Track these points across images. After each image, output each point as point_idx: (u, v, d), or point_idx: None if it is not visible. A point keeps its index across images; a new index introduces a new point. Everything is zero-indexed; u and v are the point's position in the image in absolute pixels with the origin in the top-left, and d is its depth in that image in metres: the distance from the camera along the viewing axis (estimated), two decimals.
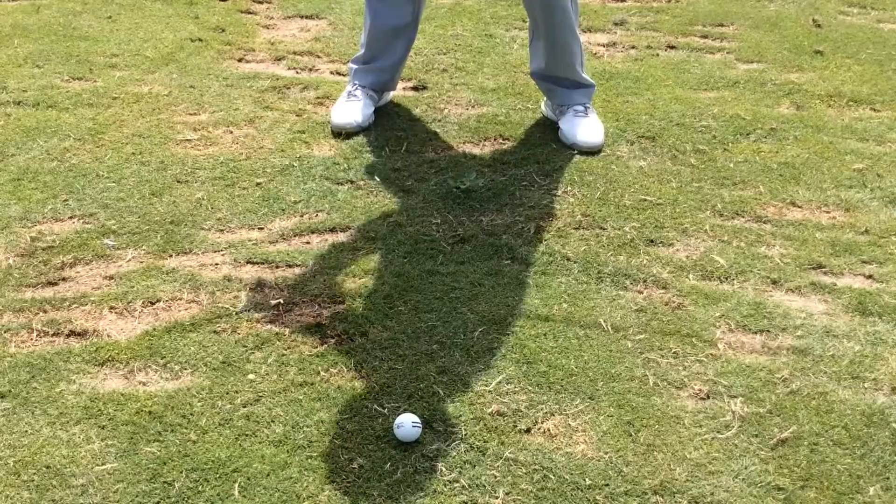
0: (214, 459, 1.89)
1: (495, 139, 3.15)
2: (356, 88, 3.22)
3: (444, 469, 1.88)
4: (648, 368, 2.15)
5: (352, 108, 3.16)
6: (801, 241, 2.60)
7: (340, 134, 3.12)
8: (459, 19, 4.17)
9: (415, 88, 3.51)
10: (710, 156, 3.05)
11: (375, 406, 2.03)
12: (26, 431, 1.96)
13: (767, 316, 2.32)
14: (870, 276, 2.47)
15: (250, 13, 4.27)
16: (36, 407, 2.02)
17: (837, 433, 1.97)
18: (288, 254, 2.53)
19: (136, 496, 1.81)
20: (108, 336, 2.23)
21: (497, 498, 1.83)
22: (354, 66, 3.25)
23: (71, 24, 4.03)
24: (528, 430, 1.97)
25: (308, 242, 2.59)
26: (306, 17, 4.23)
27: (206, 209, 2.72)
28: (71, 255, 2.50)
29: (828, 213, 2.75)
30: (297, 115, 3.27)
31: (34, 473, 1.86)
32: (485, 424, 1.98)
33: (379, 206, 2.75)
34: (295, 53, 3.81)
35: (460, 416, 2.00)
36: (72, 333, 2.24)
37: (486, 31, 4.05)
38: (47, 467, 1.87)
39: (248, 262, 2.50)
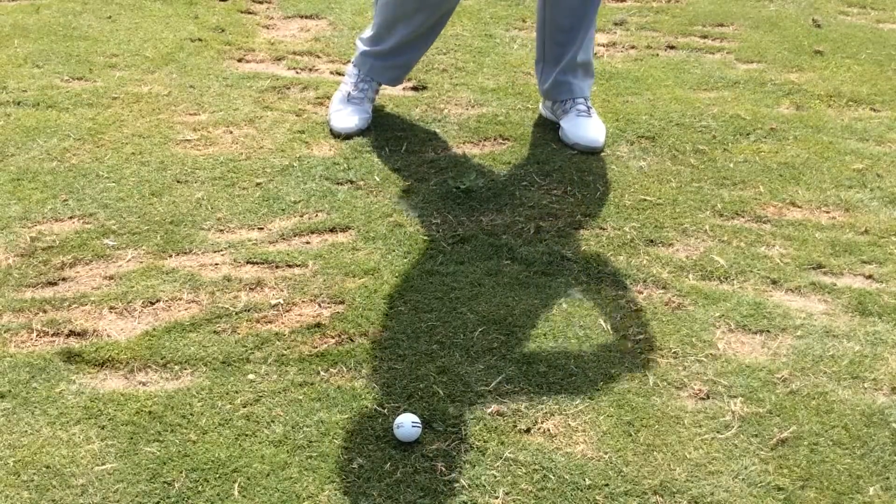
0: (214, 459, 1.89)
1: (495, 139, 3.15)
2: (359, 89, 3.17)
3: (444, 469, 1.88)
4: (648, 368, 2.15)
5: (353, 112, 3.14)
6: (801, 241, 2.60)
7: (340, 135, 3.12)
8: (459, 19, 4.17)
9: (415, 88, 3.51)
10: (709, 156, 3.05)
11: (375, 406, 2.03)
12: (26, 431, 1.96)
13: (767, 316, 2.32)
14: (870, 276, 2.47)
15: (250, 13, 4.27)
16: (36, 407, 2.02)
17: (837, 433, 1.97)
18: (288, 254, 2.53)
19: (136, 496, 1.81)
20: (108, 336, 2.23)
21: (497, 498, 1.83)
22: (371, 61, 3.13)
23: (71, 24, 4.03)
24: (528, 430, 1.97)
25: (308, 242, 2.59)
26: (306, 17, 4.23)
27: (206, 209, 2.72)
28: (71, 255, 2.50)
29: (828, 213, 2.75)
30: (296, 115, 3.27)
31: (34, 473, 1.86)
32: (485, 424, 1.98)
33: (379, 206, 2.75)
34: (295, 53, 3.81)
35: (460, 416, 2.00)
36: (72, 333, 2.24)
37: (486, 31, 4.05)
38: (47, 467, 1.87)
39: (248, 262, 2.50)
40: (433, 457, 1.91)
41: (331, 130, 3.14)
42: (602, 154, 3.05)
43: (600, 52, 3.87)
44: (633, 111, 3.33)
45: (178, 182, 2.86)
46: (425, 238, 2.60)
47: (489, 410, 2.02)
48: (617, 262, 2.51)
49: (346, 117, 3.13)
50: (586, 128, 3.07)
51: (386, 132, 3.16)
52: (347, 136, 3.11)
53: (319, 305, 2.34)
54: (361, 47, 3.18)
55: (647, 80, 3.59)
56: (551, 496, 1.83)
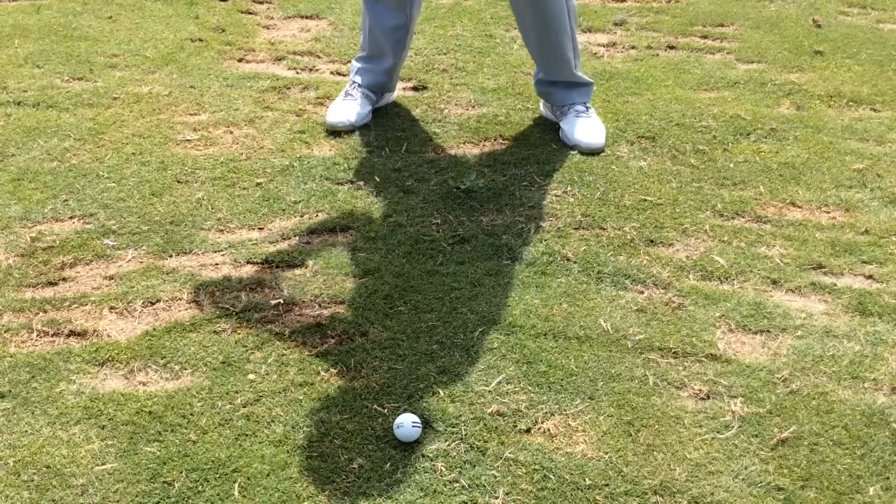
0: (214, 459, 1.89)
1: (495, 139, 3.15)
2: (354, 87, 3.22)
3: (444, 469, 1.88)
4: (648, 368, 2.15)
5: (347, 107, 3.17)
6: (801, 241, 2.60)
7: (338, 133, 3.13)
8: (459, 19, 4.18)
9: (415, 88, 3.51)
10: (710, 156, 3.05)
11: (375, 406, 2.03)
12: (26, 431, 1.96)
13: (767, 316, 2.32)
14: (870, 277, 2.47)
15: (250, 13, 4.27)
16: (36, 407, 2.02)
17: (837, 433, 1.97)
18: (288, 254, 2.53)
19: (136, 496, 1.81)
20: (108, 336, 2.23)
21: (497, 498, 1.83)
22: (358, 65, 3.25)
23: (71, 25, 4.03)
24: (528, 430, 1.97)
25: (308, 242, 2.59)
26: (306, 17, 4.24)
27: (206, 209, 2.72)
28: (71, 255, 2.50)
29: (828, 213, 2.75)
30: (297, 116, 3.27)
31: (34, 473, 1.86)
32: (485, 424, 1.98)
33: (379, 206, 2.75)
34: (295, 53, 3.81)
35: (460, 416, 2.00)
36: (72, 333, 2.24)
37: (486, 31, 4.05)
38: (47, 467, 1.87)
39: (248, 262, 2.50)
40: (433, 457, 1.91)
41: (326, 127, 3.15)
42: (602, 154, 3.05)
43: (600, 52, 3.87)
44: (634, 111, 3.33)
45: (178, 182, 2.86)
46: (425, 238, 2.60)
47: (489, 410, 2.02)
48: (617, 262, 2.51)
49: (341, 112, 3.16)
50: (586, 128, 3.07)
51: (386, 132, 3.16)
52: (347, 135, 3.12)
53: (319, 305, 2.34)
54: (353, 62, 3.32)
55: (647, 81, 3.59)
56: (551, 496, 1.83)
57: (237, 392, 2.07)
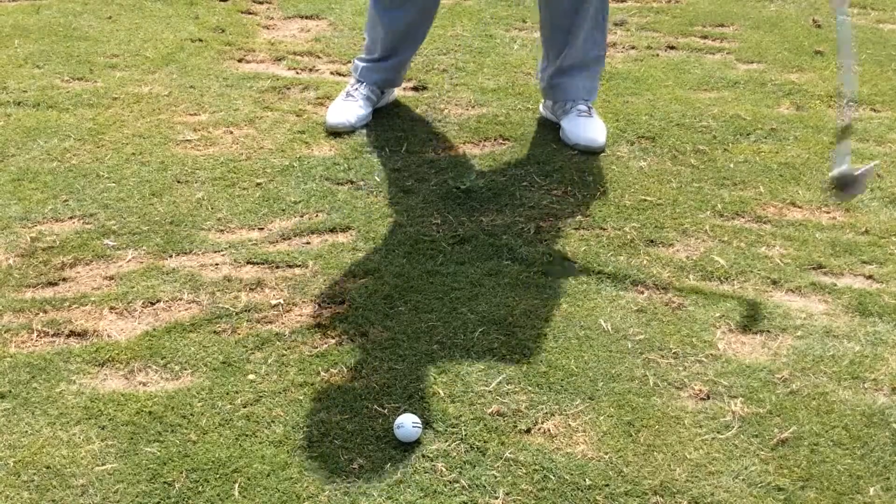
0: (214, 459, 1.89)
1: (495, 139, 3.15)
2: (356, 88, 3.21)
3: (444, 469, 1.88)
4: (648, 369, 2.15)
5: (347, 108, 3.16)
6: (801, 242, 2.60)
7: (337, 133, 3.13)
8: (459, 19, 4.18)
9: (415, 88, 3.51)
10: (710, 156, 3.05)
11: (375, 406, 2.03)
12: (26, 431, 1.96)
13: (767, 316, 2.32)
14: (870, 277, 2.47)
15: (250, 13, 4.27)
16: (36, 407, 2.02)
17: (837, 433, 1.97)
18: (288, 254, 2.53)
19: (136, 496, 1.81)
20: (108, 336, 2.23)
21: (497, 498, 1.83)
22: (362, 64, 3.23)
23: (71, 25, 4.03)
24: (528, 431, 1.97)
25: (308, 242, 2.59)
26: (306, 18, 4.24)
27: (206, 209, 2.72)
28: (71, 256, 2.50)
29: (828, 213, 2.75)
30: (297, 116, 3.27)
31: (34, 473, 1.86)
32: (485, 424, 1.98)
33: (379, 206, 2.75)
34: (295, 54, 3.81)
35: (460, 416, 2.00)
36: (72, 334, 2.24)
37: (486, 32, 4.05)
38: (47, 467, 1.87)
39: (248, 262, 2.50)
40: (433, 457, 1.91)
41: (325, 128, 3.15)
42: (602, 154, 3.05)
43: None
44: (634, 111, 3.33)
45: (178, 182, 2.86)
46: (425, 238, 2.60)
47: (489, 410, 2.02)
48: (617, 262, 2.51)
49: (341, 113, 3.16)
50: (587, 128, 3.07)
51: (386, 132, 3.16)
52: (347, 135, 3.11)
53: (319, 306, 2.34)
54: (354, 61, 3.29)
55: (647, 81, 3.59)
56: (551, 496, 1.83)
57: (237, 392, 2.07)
